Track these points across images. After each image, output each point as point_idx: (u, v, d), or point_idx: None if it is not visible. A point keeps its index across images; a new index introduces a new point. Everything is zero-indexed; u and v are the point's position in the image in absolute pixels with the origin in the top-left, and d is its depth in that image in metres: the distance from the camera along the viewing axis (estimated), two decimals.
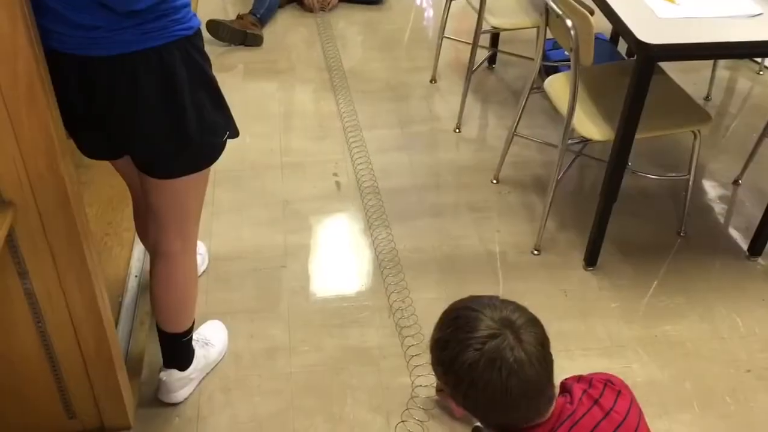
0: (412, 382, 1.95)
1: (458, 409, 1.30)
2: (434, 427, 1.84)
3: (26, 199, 1.29)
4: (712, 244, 2.48)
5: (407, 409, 1.89)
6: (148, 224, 1.66)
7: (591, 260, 2.34)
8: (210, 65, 1.43)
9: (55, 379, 1.57)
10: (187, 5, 1.34)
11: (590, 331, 2.13)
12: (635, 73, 1.93)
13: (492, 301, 1.27)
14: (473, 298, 1.29)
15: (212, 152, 1.51)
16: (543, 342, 1.22)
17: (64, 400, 1.62)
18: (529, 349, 1.19)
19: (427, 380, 1.94)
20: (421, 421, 1.85)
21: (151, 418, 1.84)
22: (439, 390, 1.87)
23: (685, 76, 3.21)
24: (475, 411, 1.29)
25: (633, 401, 1.30)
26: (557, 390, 1.30)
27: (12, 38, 1.12)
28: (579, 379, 1.33)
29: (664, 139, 2.89)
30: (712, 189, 2.73)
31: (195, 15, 1.37)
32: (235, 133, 1.54)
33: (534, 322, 1.24)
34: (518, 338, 1.19)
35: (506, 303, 1.26)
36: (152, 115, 1.37)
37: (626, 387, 1.32)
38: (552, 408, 1.24)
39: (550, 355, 1.23)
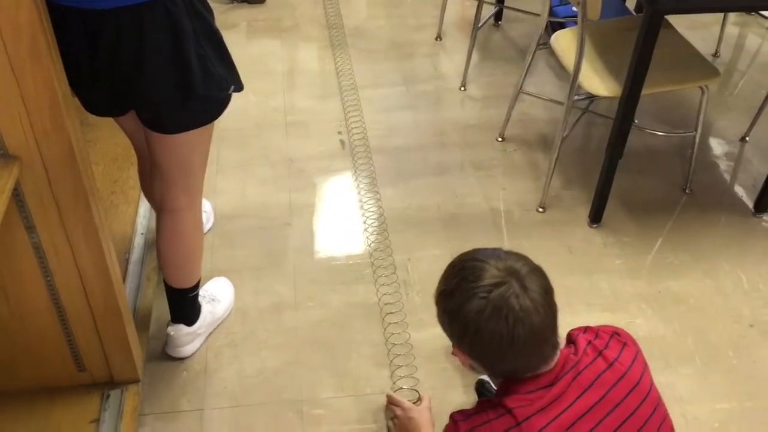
0: (408, 336, 1.98)
1: (464, 359, 1.31)
2: (432, 380, 1.87)
3: (32, 154, 1.29)
4: (717, 200, 2.47)
5: (404, 366, 1.91)
6: (153, 181, 1.66)
7: (596, 217, 2.34)
8: (213, 18, 1.42)
9: (64, 332, 1.59)
10: None
11: (594, 287, 2.15)
12: (643, 27, 1.90)
13: (496, 252, 1.28)
14: (478, 250, 1.30)
15: (217, 106, 1.50)
16: (547, 290, 1.24)
17: (74, 353, 1.64)
18: (534, 296, 1.20)
19: (430, 335, 1.96)
20: (414, 379, 1.88)
21: (159, 372, 1.88)
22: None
23: (694, 32, 3.18)
24: (481, 359, 1.30)
25: (638, 353, 1.31)
26: (562, 340, 1.31)
27: None
28: (585, 330, 1.34)
29: (672, 96, 2.87)
30: (718, 146, 2.71)
31: None
32: (239, 87, 1.53)
33: (538, 271, 1.25)
34: (523, 286, 1.20)
35: (510, 253, 1.27)
36: (157, 68, 1.37)
37: (632, 339, 1.33)
38: (557, 357, 1.26)
39: (554, 302, 1.24)
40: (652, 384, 1.28)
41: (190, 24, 1.35)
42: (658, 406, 1.26)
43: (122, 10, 1.29)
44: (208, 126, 1.53)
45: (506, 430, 1.22)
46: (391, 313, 2.05)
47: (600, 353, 1.27)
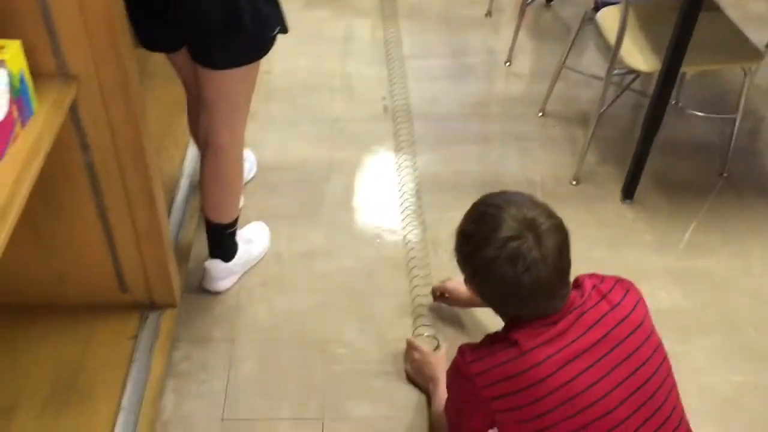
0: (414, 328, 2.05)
1: (473, 295, 1.38)
2: (451, 332, 1.94)
3: (89, 74, 1.40)
4: (754, 186, 2.47)
5: (426, 316, 1.99)
6: (199, 118, 1.77)
7: (628, 193, 2.36)
8: None
9: (111, 252, 1.71)
10: None
11: (620, 259, 2.18)
12: (684, 0, 1.93)
13: (522, 200, 1.30)
14: (504, 195, 1.34)
15: (263, 44, 1.60)
16: (562, 248, 1.26)
17: (118, 273, 1.76)
18: (547, 253, 1.23)
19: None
20: (435, 329, 1.95)
21: (195, 303, 1.99)
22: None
23: (748, 25, 3.14)
24: (488, 300, 1.37)
25: (640, 300, 1.35)
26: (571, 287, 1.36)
27: None
28: (591, 275, 1.39)
29: (720, 83, 2.86)
30: (763, 134, 2.70)
31: None
32: (285, 29, 1.62)
33: (558, 229, 1.27)
34: (538, 242, 1.23)
35: (536, 204, 1.30)
36: (210, 4, 1.46)
37: (635, 287, 1.38)
38: (564, 303, 1.31)
39: (568, 260, 1.28)
40: (653, 329, 1.33)
41: None
42: (658, 349, 1.31)
43: None
44: (254, 65, 1.63)
45: (511, 359, 1.29)
46: (417, 267, 2.13)
47: (604, 296, 1.32)
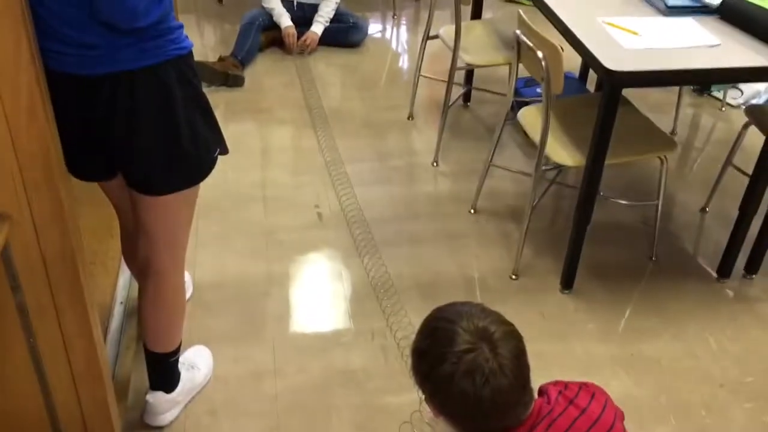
0: (420, 400, 1.99)
1: (436, 414, 1.33)
2: None
3: (22, 212, 1.32)
4: (682, 267, 2.56)
5: (405, 422, 1.92)
6: (137, 245, 1.70)
7: (567, 284, 2.40)
8: (201, 84, 1.50)
9: (44, 396, 1.58)
10: (181, 27, 1.42)
11: (568, 351, 2.19)
12: (603, 99, 2.03)
13: (472, 311, 1.28)
14: (454, 307, 1.31)
15: (204, 168, 1.57)
16: (518, 354, 1.24)
17: (53, 419, 1.62)
18: (504, 362, 1.21)
19: (408, 399, 1.97)
20: None
21: None
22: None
23: (652, 114, 3.34)
24: (452, 419, 1.32)
25: (608, 401, 1.35)
26: (535, 394, 1.33)
27: (15, 54, 1.18)
28: (555, 383, 1.38)
29: (636, 171, 3.01)
30: (680, 217, 2.83)
31: (187, 37, 1.44)
32: (225, 150, 1.60)
33: (511, 335, 1.26)
34: (494, 351, 1.21)
35: (487, 313, 1.28)
36: (149, 132, 1.43)
37: (600, 389, 1.37)
38: (529, 412, 1.28)
39: (526, 364, 1.26)
40: (624, 430, 1.31)
41: (180, 90, 1.42)
42: None
43: (116, 76, 1.36)
44: (194, 188, 1.59)
45: None
46: (370, 378, 2.07)
47: (571, 402, 1.31)
